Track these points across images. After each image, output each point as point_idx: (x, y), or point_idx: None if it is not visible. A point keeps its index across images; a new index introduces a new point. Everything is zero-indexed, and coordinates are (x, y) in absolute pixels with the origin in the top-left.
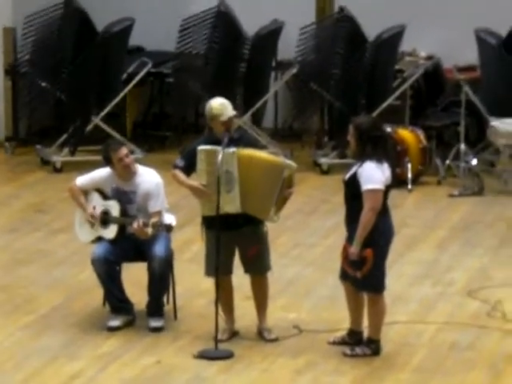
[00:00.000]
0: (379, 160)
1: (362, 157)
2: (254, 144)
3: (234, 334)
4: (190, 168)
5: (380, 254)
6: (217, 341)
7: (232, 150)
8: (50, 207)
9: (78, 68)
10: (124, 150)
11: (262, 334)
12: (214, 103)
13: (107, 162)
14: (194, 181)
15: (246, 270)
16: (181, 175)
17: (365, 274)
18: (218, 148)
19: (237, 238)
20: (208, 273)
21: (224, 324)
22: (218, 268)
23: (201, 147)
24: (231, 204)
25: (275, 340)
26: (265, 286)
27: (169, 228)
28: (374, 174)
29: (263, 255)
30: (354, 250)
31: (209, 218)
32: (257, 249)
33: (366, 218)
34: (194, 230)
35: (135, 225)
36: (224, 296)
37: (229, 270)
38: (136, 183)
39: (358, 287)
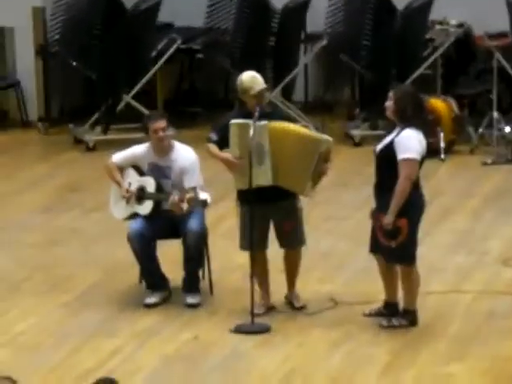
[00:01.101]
0: (417, 129)
1: (402, 122)
2: (287, 118)
3: (270, 308)
4: (223, 142)
5: (412, 225)
6: (253, 315)
7: (264, 122)
8: (83, 186)
9: (107, 46)
10: (162, 123)
11: (291, 302)
12: (245, 77)
13: (145, 131)
14: (227, 154)
15: (281, 245)
16: (214, 148)
17: (399, 244)
18: (250, 121)
19: (271, 212)
20: (242, 246)
21: (260, 298)
22: (253, 243)
23: (233, 121)
24: (263, 177)
25: (303, 307)
26: (297, 260)
27: (204, 203)
28: (411, 144)
29: (298, 230)
30: (389, 219)
31: (242, 191)
32: (292, 224)
33: (402, 186)
34: (228, 205)
35: (171, 200)
36: (259, 271)
37: (264, 245)
38: (172, 159)
39: (390, 259)
